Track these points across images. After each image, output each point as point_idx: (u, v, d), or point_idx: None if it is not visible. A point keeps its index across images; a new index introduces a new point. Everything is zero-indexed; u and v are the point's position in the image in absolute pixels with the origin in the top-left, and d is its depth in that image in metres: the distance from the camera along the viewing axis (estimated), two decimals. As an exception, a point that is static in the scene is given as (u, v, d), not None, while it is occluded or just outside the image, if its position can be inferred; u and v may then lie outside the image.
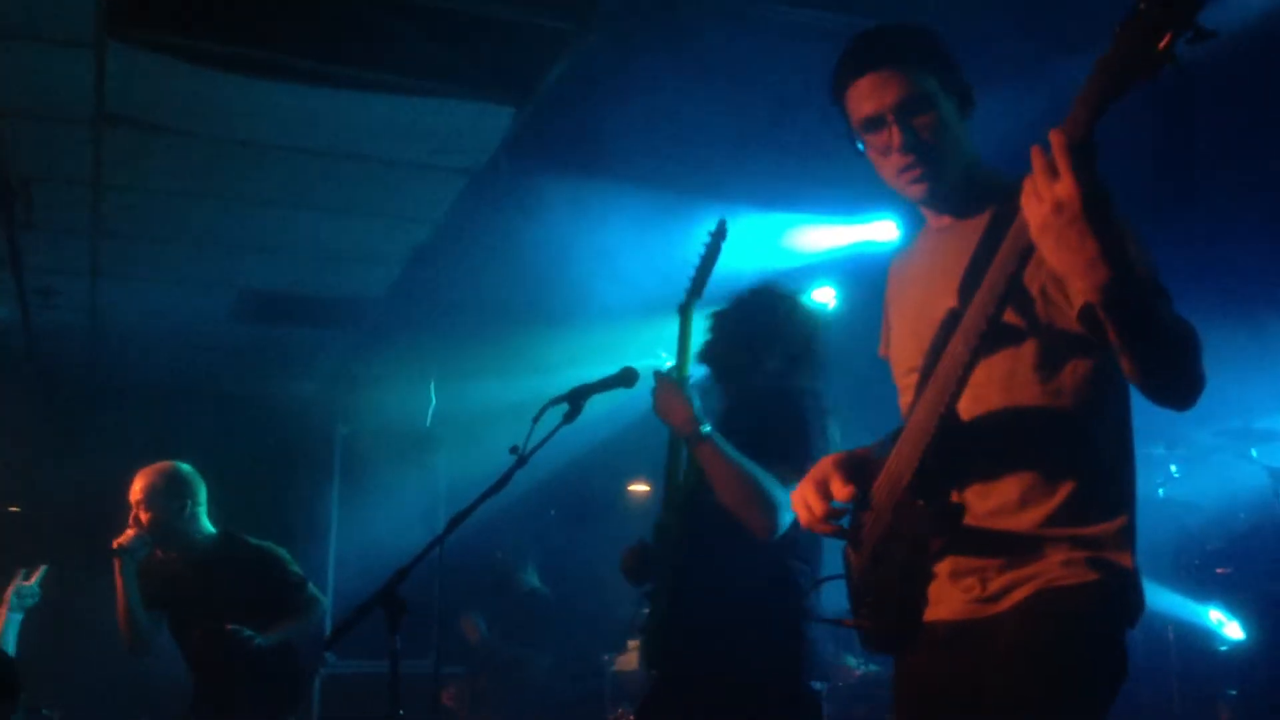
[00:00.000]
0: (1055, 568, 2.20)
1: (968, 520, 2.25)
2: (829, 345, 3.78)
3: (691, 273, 3.68)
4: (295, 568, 5.56)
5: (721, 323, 3.73)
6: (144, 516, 5.29)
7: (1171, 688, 6.20)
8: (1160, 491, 6.53)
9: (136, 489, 5.33)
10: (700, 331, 3.74)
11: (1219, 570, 6.37)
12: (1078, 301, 2.15)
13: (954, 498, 2.28)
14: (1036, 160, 1.88)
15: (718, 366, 3.74)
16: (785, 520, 3.31)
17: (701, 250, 3.70)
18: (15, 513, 8.68)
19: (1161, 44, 1.67)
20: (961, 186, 2.43)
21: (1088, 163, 1.83)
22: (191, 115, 5.24)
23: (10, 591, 5.33)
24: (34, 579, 5.42)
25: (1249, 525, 6.38)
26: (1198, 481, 6.62)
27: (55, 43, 4.64)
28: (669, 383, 3.45)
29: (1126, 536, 2.25)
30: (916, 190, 2.42)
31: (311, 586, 5.55)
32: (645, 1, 4.47)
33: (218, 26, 4.62)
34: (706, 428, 3.36)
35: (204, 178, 5.82)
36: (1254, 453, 6.35)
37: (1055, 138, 1.84)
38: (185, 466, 5.54)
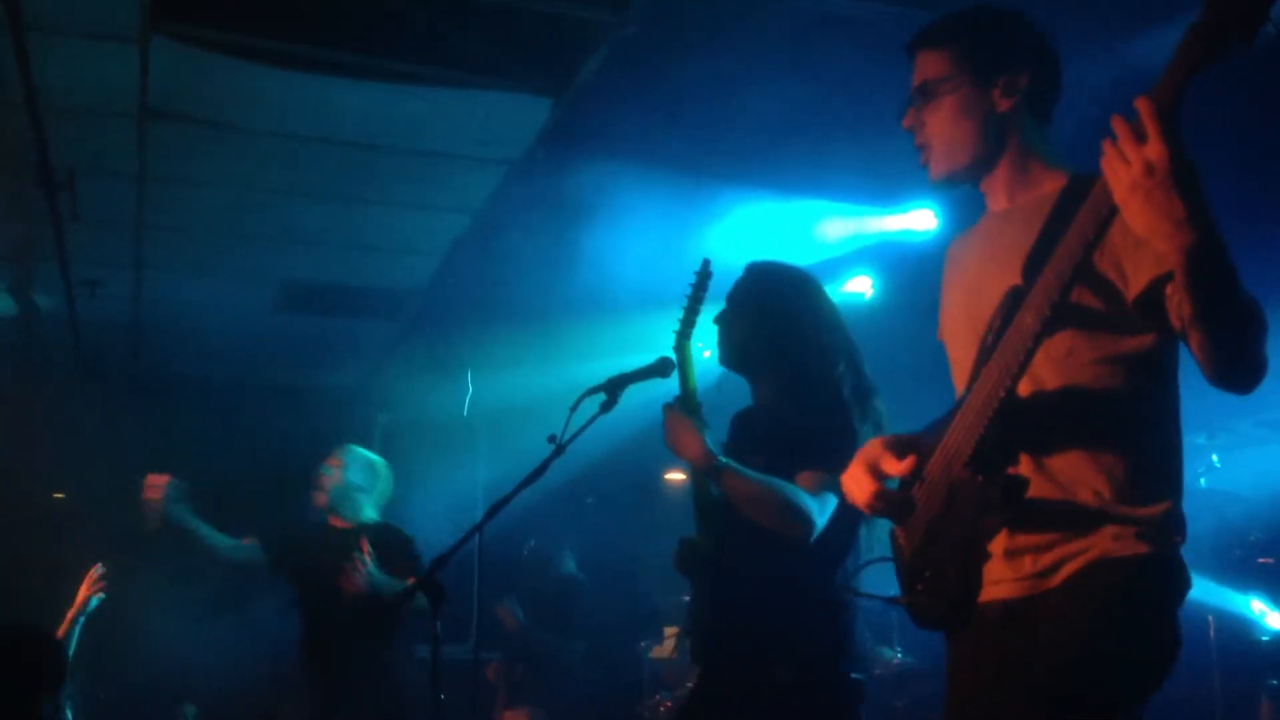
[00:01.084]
0: (1107, 540, 2.21)
1: (1024, 499, 2.25)
2: (846, 321, 3.75)
3: (681, 313, 3.68)
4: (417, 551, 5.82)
5: (733, 318, 3.70)
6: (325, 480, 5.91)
7: (1212, 678, 6.16)
8: (1202, 481, 6.49)
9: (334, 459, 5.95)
10: (709, 327, 3.73)
11: (1261, 560, 6.33)
12: (1136, 286, 2.17)
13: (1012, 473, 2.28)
14: (1120, 127, 1.90)
15: (740, 366, 3.73)
16: (819, 524, 3.33)
17: (688, 290, 3.70)
18: (60, 499, 8.81)
19: (1259, 3, 1.69)
20: (1017, 171, 2.45)
21: (1176, 129, 1.86)
22: (233, 109, 5.30)
23: (86, 594, 5.44)
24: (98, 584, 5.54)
25: (1292, 516, 6.34)
26: (1239, 472, 6.57)
27: (100, 38, 4.70)
28: (678, 417, 3.45)
29: (1175, 520, 2.26)
30: (930, 173, 2.50)
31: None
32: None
33: (259, 21, 4.68)
34: (722, 460, 3.37)
35: (246, 171, 5.88)
36: (1296, 442, 6.30)
37: (1143, 103, 1.87)
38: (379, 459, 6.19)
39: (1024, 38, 2.47)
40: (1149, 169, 1.87)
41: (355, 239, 6.82)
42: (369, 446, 9.76)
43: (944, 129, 2.46)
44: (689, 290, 3.70)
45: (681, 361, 3.60)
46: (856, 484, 2.45)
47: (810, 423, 3.43)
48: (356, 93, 5.12)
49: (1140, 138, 1.88)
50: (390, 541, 5.70)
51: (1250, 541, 6.36)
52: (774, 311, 3.66)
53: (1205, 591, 6.15)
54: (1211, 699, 6.16)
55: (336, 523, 5.92)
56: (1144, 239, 1.99)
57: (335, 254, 7.04)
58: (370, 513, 6.01)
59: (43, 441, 8.46)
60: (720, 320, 3.69)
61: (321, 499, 5.91)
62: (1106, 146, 1.93)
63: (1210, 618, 6.18)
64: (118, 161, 5.73)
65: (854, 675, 3.46)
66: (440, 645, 3.37)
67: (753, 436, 3.52)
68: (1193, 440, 6.25)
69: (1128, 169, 1.89)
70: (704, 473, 3.44)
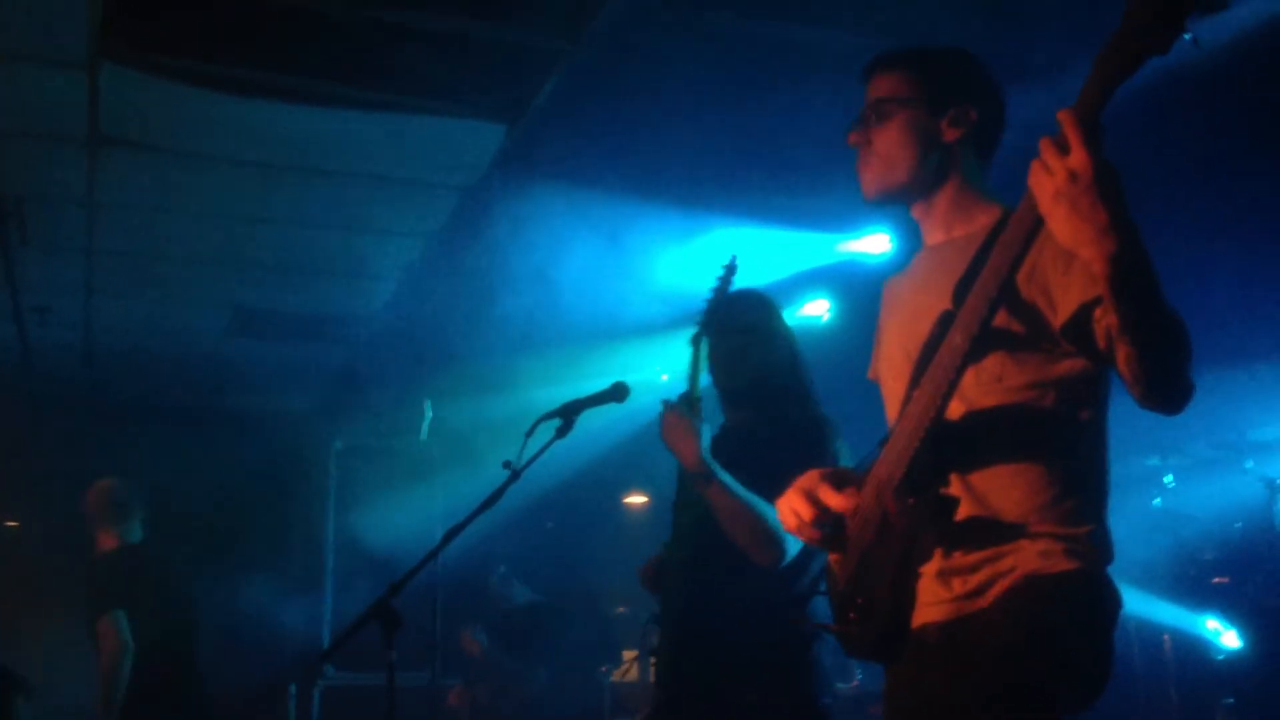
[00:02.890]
0: (1034, 559, 2.23)
1: (954, 519, 2.27)
2: (817, 363, 3.79)
3: (703, 305, 3.69)
4: None
5: (724, 349, 3.71)
6: None
7: (1169, 696, 6.21)
8: (1156, 502, 6.55)
9: None
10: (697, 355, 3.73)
11: (1215, 580, 6.39)
12: (1064, 312, 2.19)
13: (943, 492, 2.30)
14: (1045, 142, 1.94)
15: (728, 393, 3.74)
16: (790, 553, 3.34)
17: (714, 284, 3.70)
18: (12, 527, 8.70)
19: (1173, 14, 1.72)
20: (952, 204, 2.49)
21: (1098, 138, 1.89)
22: (184, 135, 5.27)
23: None
24: None
25: (1245, 535, 6.40)
26: (1193, 492, 6.64)
27: (49, 63, 4.66)
28: (678, 417, 3.45)
29: (1102, 541, 2.28)
30: (863, 186, 2.56)
31: None
32: (637, 20, 4.48)
33: (210, 47, 4.64)
34: (714, 468, 3.38)
35: (197, 196, 5.84)
36: (1249, 464, 6.36)
37: (1065, 114, 1.90)
38: None
39: (979, 75, 2.52)
40: (1072, 176, 1.90)
41: (309, 264, 6.79)
42: (324, 472, 9.80)
43: (888, 148, 2.50)
44: (714, 284, 3.69)
45: (694, 357, 3.59)
46: (793, 512, 2.47)
47: (791, 448, 3.43)
48: (309, 118, 5.10)
49: (1063, 149, 1.91)
50: None
51: (1204, 561, 6.42)
52: (757, 339, 3.68)
53: (1161, 611, 6.20)
54: (1169, 717, 6.20)
55: None
56: (1070, 253, 2.02)
57: (289, 279, 7.01)
58: None
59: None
60: (695, 348, 3.68)
61: None
62: (1034, 163, 1.97)
63: (1166, 637, 6.23)
64: (68, 187, 5.67)
65: (821, 700, 3.46)
66: (396, 672, 3.35)
67: (730, 458, 3.51)
68: (1146, 462, 6.32)
69: (1051, 179, 1.93)
70: (693, 477, 3.43)
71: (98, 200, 5.83)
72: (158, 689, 5.68)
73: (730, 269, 3.70)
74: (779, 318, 3.78)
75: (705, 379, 3.66)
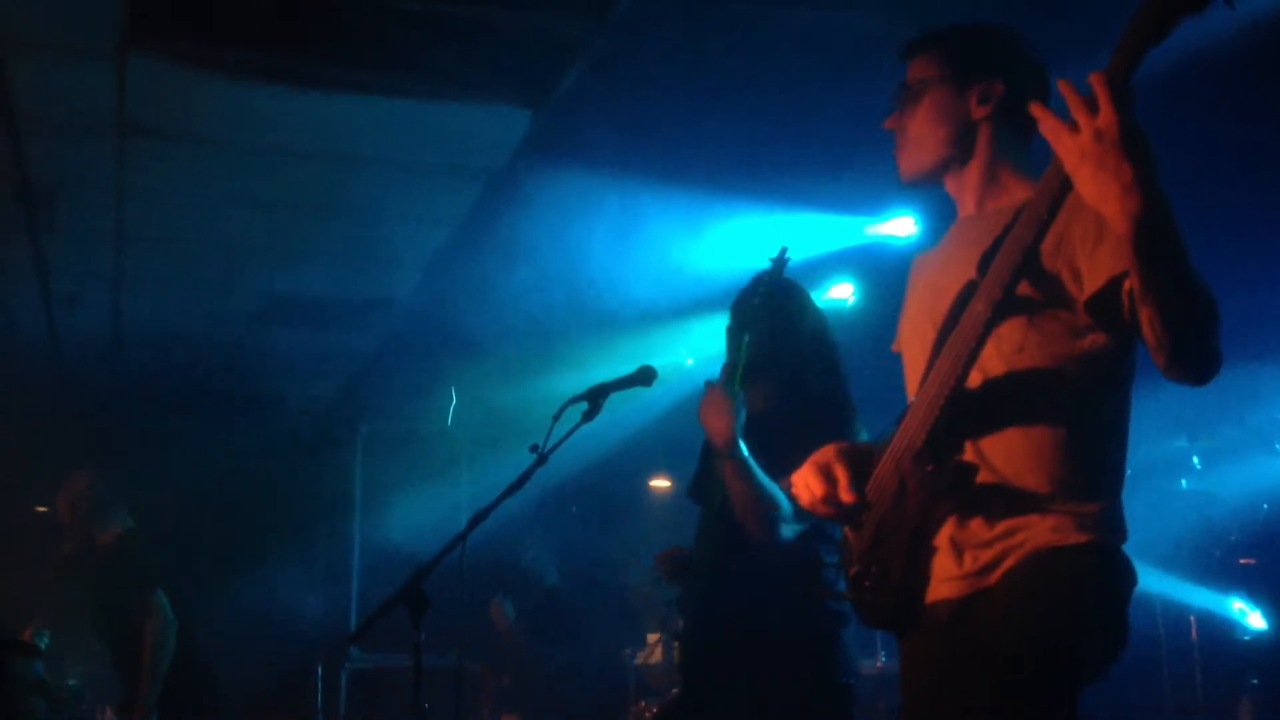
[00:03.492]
0: (1045, 532, 2.23)
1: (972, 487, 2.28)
2: (842, 345, 3.80)
3: (742, 296, 3.69)
4: None
5: (739, 330, 3.72)
6: None
7: (1195, 678, 6.20)
8: (1183, 483, 6.53)
9: None
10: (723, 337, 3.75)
11: (1242, 561, 6.37)
12: (1092, 286, 2.19)
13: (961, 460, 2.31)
14: (1071, 98, 1.94)
15: (753, 378, 3.76)
16: (785, 535, 3.37)
17: (762, 272, 3.70)
18: (42, 513, 8.77)
19: None
20: (988, 180, 2.49)
21: (1127, 99, 1.90)
22: (211, 123, 5.30)
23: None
24: None
25: (1272, 516, 6.38)
26: (1220, 473, 6.62)
27: (77, 53, 4.70)
28: (719, 394, 3.48)
29: (1115, 517, 2.28)
30: (900, 172, 2.57)
31: None
32: (661, 5, 4.49)
33: (236, 36, 4.67)
34: (741, 447, 3.41)
35: (225, 184, 5.87)
36: (1278, 445, 6.34)
37: (1095, 76, 1.91)
38: None
39: (1005, 50, 2.51)
40: (1097, 134, 1.90)
41: (335, 251, 6.82)
42: (350, 458, 9.85)
43: (918, 129, 2.52)
44: (762, 272, 3.69)
45: (733, 344, 3.62)
46: (807, 487, 2.48)
47: (804, 433, 3.44)
48: (335, 106, 5.12)
49: (1091, 108, 1.91)
50: None
51: (1231, 542, 6.40)
52: (768, 322, 3.69)
53: (1187, 592, 6.19)
54: (1194, 698, 6.19)
55: None
56: (1100, 228, 2.02)
57: (315, 266, 7.03)
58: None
59: (24, 454, 8.43)
60: (735, 336, 3.69)
61: None
62: (1050, 121, 1.97)
63: (1192, 618, 6.22)
64: (97, 176, 5.72)
65: (845, 680, 3.48)
66: (423, 655, 3.38)
67: (753, 440, 3.53)
68: (1173, 443, 6.30)
69: (1077, 138, 1.93)
70: (718, 451, 3.46)
71: (126, 188, 5.87)
72: (180, 670, 5.79)
73: (780, 260, 3.70)
74: (803, 303, 3.77)
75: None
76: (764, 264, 3.71)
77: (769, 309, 3.70)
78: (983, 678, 2.18)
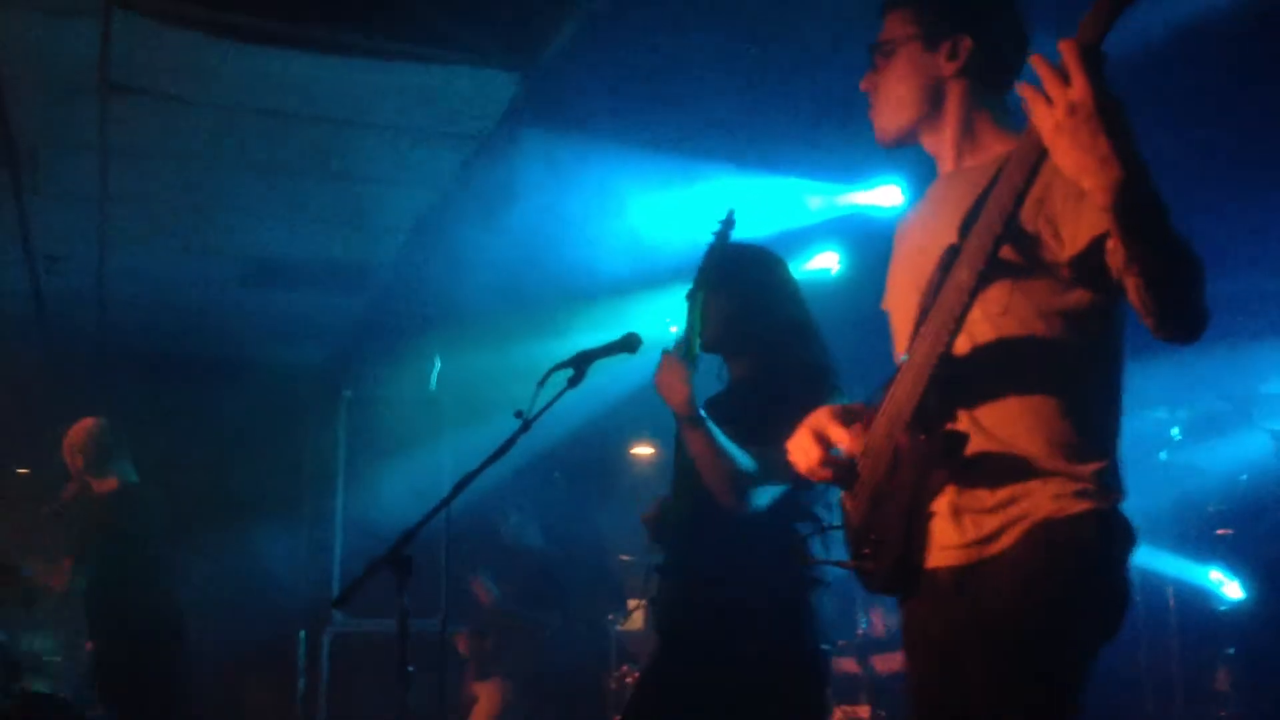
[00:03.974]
0: (1047, 502, 2.24)
1: (964, 455, 2.28)
2: (819, 311, 3.80)
3: (699, 261, 3.70)
4: None
5: (706, 300, 3.72)
6: None
7: (1171, 647, 6.27)
8: (1162, 455, 6.58)
9: None
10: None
11: (1219, 532, 6.43)
12: (1074, 246, 2.18)
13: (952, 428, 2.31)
14: (1043, 69, 1.92)
15: (722, 348, 3.76)
16: (756, 503, 3.38)
17: (710, 239, 3.71)
18: (23, 475, 8.76)
19: None
20: (965, 134, 2.49)
21: (1098, 67, 1.88)
22: (196, 83, 5.26)
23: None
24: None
25: (1250, 487, 6.43)
26: (1199, 445, 6.66)
27: (61, 11, 4.65)
28: (673, 363, 3.49)
29: (1113, 477, 2.29)
30: (876, 134, 2.58)
31: None
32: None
33: (223, -6, 4.64)
34: (699, 412, 3.41)
35: (210, 145, 5.83)
36: (1256, 416, 6.38)
37: (1065, 44, 1.89)
38: None
39: (973, 4, 2.49)
40: (1071, 108, 1.88)
41: (321, 214, 6.79)
42: (334, 422, 9.85)
43: (890, 88, 2.52)
44: (710, 239, 3.70)
45: (691, 309, 3.62)
46: (802, 451, 2.49)
47: (778, 402, 3.46)
48: (320, 67, 5.09)
49: (1064, 78, 1.90)
50: None
51: (1209, 513, 6.46)
52: (745, 292, 3.70)
53: (1165, 563, 6.25)
54: (1170, 667, 6.26)
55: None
56: (1076, 187, 2.01)
57: (300, 229, 7.01)
58: None
59: (6, 417, 8.41)
60: (692, 301, 3.70)
61: None
62: (1028, 91, 1.95)
63: (1170, 588, 6.28)
64: (80, 136, 5.67)
65: (820, 646, 3.50)
66: (409, 618, 3.39)
67: (727, 411, 3.55)
68: (1153, 414, 6.34)
69: (1051, 111, 1.91)
70: (680, 420, 3.47)
71: (110, 148, 5.83)
72: (150, 632, 5.81)
73: (728, 223, 3.70)
74: (742, 272, 3.75)
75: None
76: (715, 230, 3.72)
77: (740, 276, 3.71)
78: (992, 650, 2.19)
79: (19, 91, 5.23)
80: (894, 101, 2.51)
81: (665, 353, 3.50)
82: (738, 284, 3.70)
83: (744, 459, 3.38)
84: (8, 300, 7.93)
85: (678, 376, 3.43)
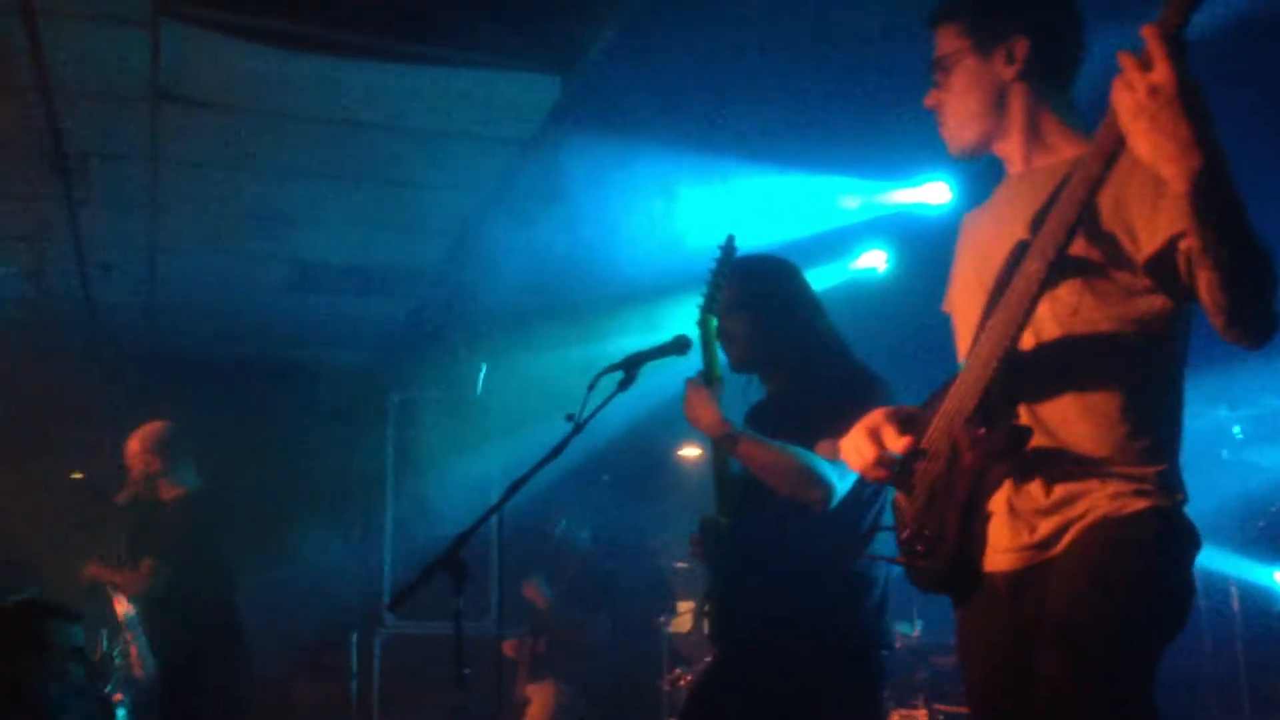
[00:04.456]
0: (1105, 501, 2.21)
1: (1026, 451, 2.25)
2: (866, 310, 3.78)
3: (704, 288, 3.69)
4: None
5: (740, 317, 3.70)
6: None
7: (1236, 649, 6.17)
8: (1224, 453, 6.48)
9: None
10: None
11: (1285, 532, 6.33)
12: (1150, 247, 2.15)
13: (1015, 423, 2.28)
14: (1125, 58, 1.90)
15: (754, 364, 3.75)
16: (838, 489, 3.35)
17: (712, 265, 3.71)
18: (78, 480, 8.86)
19: None
20: (1034, 136, 2.46)
21: (1181, 53, 1.85)
22: (243, 91, 5.29)
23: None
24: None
25: (1314, 487, 6.33)
26: (1262, 443, 6.56)
27: (111, 21, 4.70)
28: (697, 389, 3.48)
29: (1173, 479, 2.26)
30: (948, 149, 2.54)
31: None
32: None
33: (267, 3, 4.66)
34: (736, 428, 3.41)
35: (258, 152, 5.87)
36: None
37: (1149, 29, 1.86)
38: None
39: (1025, 6, 2.46)
40: (1153, 90, 1.86)
41: (367, 219, 6.82)
42: (382, 426, 9.90)
43: (955, 103, 2.49)
44: (713, 265, 3.70)
45: (704, 337, 3.61)
46: (858, 451, 2.48)
47: (826, 398, 3.44)
48: (366, 74, 5.12)
49: (1146, 64, 1.87)
50: None
51: (1273, 512, 6.36)
52: (772, 305, 3.69)
53: (1228, 563, 6.16)
54: (1236, 670, 6.17)
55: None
56: (1158, 187, 1.98)
57: (347, 234, 7.04)
58: None
59: (59, 422, 8.51)
60: (703, 327, 3.68)
61: None
62: (1115, 81, 1.93)
63: (1233, 589, 6.18)
64: (131, 144, 5.73)
65: (877, 649, 3.47)
66: (463, 621, 3.39)
67: (774, 422, 3.53)
68: (1215, 413, 6.25)
69: (1133, 94, 1.89)
70: (719, 442, 3.45)
71: (160, 156, 5.88)
72: (215, 640, 5.81)
73: (727, 249, 3.69)
74: (786, 281, 3.75)
75: (723, 357, 3.68)
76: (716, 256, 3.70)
77: (763, 289, 3.69)
78: (1058, 652, 2.16)
79: (70, 100, 5.28)
80: (962, 116, 2.49)
81: (688, 381, 3.51)
82: (762, 297, 3.69)
83: (799, 451, 3.35)
84: (60, 307, 8.02)
85: (702, 400, 3.44)
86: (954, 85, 2.48)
